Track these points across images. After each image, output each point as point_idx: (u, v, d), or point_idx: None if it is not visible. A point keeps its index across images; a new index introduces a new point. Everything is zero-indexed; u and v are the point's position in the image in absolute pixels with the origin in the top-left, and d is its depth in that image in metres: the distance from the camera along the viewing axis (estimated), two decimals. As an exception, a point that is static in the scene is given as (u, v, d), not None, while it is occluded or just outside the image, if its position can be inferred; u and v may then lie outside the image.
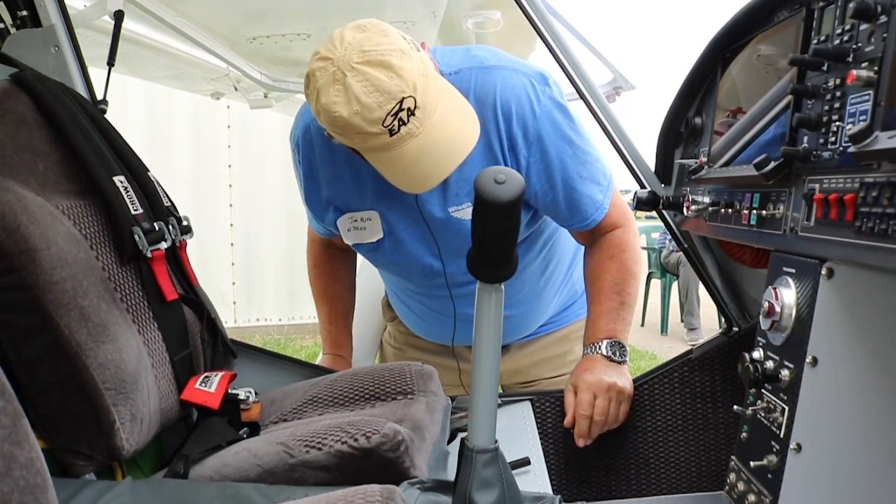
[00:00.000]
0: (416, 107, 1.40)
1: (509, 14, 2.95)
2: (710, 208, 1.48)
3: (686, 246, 1.71)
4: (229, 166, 7.35)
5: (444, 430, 1.56)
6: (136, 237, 1.46)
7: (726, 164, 1.44)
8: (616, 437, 1.77)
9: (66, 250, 1.29)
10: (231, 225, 7.41)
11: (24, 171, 1.33)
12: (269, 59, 3.63)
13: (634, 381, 1.77)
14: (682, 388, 1.79)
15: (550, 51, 1.76)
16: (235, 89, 4.24)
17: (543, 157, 1.65)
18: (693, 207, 1.52)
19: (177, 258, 1.63)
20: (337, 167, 1.72)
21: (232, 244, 7.45)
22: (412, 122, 1.41)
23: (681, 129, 1.68)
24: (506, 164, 1.64)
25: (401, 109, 1.39)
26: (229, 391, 1.51)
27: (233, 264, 7.46)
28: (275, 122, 6.74)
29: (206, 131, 7.24)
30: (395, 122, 1.40)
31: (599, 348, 1.73)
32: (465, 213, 1.69)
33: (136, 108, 6.75)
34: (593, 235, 1.80)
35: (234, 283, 7.48)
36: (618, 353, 1.72)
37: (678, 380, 1.79)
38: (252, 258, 7.51)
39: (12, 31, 1.73)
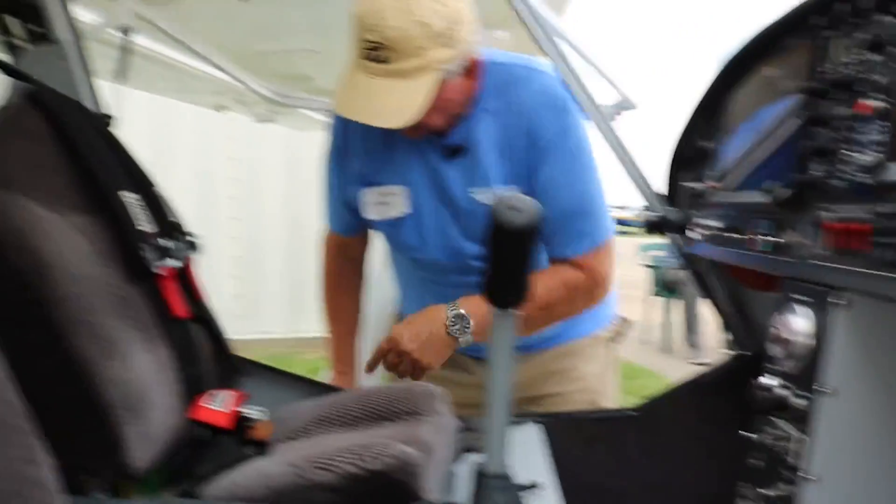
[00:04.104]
0: (393, 53, 1.49)
1: (517, 34, 2.95)
2: (718, 232, 1.49)
3: (693, 268, 1.72)
4: (231, 178, 7.34)
5: (452, 450, 1.56)
6: (145, 253, 1.46)
7: (734, 188, 1.45)
8: (629, 461, 1.76)
9: (77, 266, 1.29)
10: (232, 237, 7.40)
11: (39, 188, 1.33)
12: (274, 73, 3.64)
13: (645, 404, 1.75)
14: (691, 411, 1.79)
15: (560, 71, 1.78)
16: (240, 102, 4.26)
17: (560, 171, 1.68)
18: (701, 231, 1.53)
19: (184, 275, 1.63)
20: (371, 140, 1.78)
21: (234, 256, 7.43)
22: (388, 62, 1.50)
23: (689, 153, 1.69)
24: (519, 165, 1.69)
25: (382, 48, 1.49)
26: (241, 410, 1.51)
27: (234, 277, 7.44)
28: (277, 134, 6.77)
29: (207, 142, 7.23)
30: (377, 54, 1.50)
31: (452, 309, 1.68)
32: (486, 197, 1.73)
33: (136, 119, 6.74)
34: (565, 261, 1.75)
35: (235, 296, 7.46)
36: (458, 325, 1.67)
37: (687, 403, 1.79)
38: (254, 270, 7.49)
39: (28, 47, 1.74)
